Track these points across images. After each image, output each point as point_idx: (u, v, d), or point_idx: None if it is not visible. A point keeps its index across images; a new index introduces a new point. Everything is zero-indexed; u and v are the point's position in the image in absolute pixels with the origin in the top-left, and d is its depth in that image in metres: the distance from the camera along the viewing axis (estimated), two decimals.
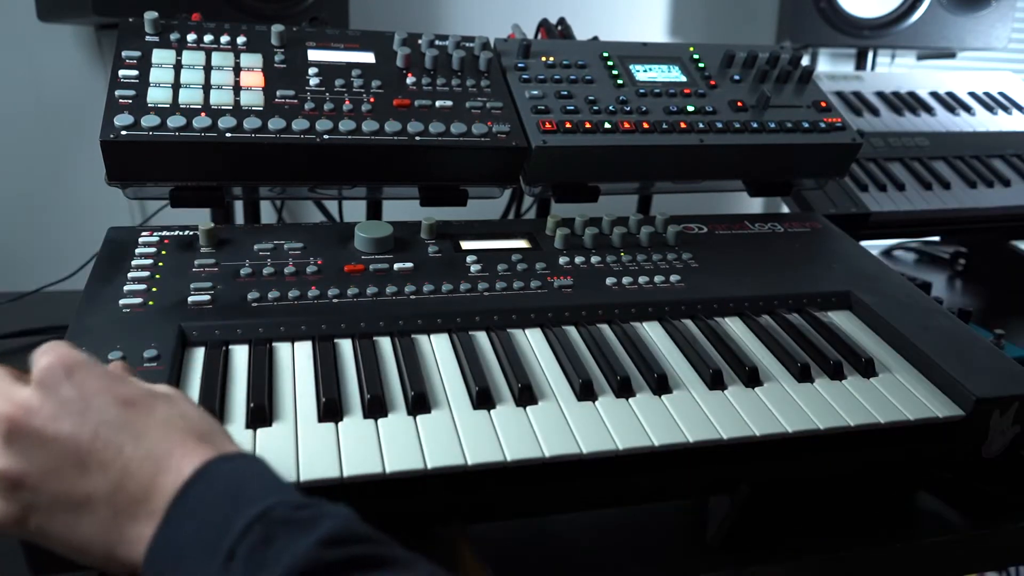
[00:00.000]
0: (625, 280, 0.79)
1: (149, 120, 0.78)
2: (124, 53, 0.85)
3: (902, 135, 1.30)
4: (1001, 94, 1.43)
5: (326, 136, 0.82)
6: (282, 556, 0.38)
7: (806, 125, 0.98)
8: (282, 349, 0.67)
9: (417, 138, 0.85)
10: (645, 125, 0.93)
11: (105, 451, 0.44)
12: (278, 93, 0.85)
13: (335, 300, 0.71)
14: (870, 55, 1.75)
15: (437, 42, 0.97)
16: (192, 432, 0.45)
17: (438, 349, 0.69)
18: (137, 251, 0.75)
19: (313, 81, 0.88)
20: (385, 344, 0.69)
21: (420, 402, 0.62)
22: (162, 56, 0.86)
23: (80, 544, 0.44)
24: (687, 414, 0.64)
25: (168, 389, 0.49)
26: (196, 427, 0.46)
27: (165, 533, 0.41)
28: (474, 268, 0.78)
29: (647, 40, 1.07)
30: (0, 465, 0.44)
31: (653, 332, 0.75)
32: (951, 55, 1.79)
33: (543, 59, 0.99)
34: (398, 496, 0.57)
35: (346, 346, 0.68)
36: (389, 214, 0.99)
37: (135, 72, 0.84)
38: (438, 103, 0.90)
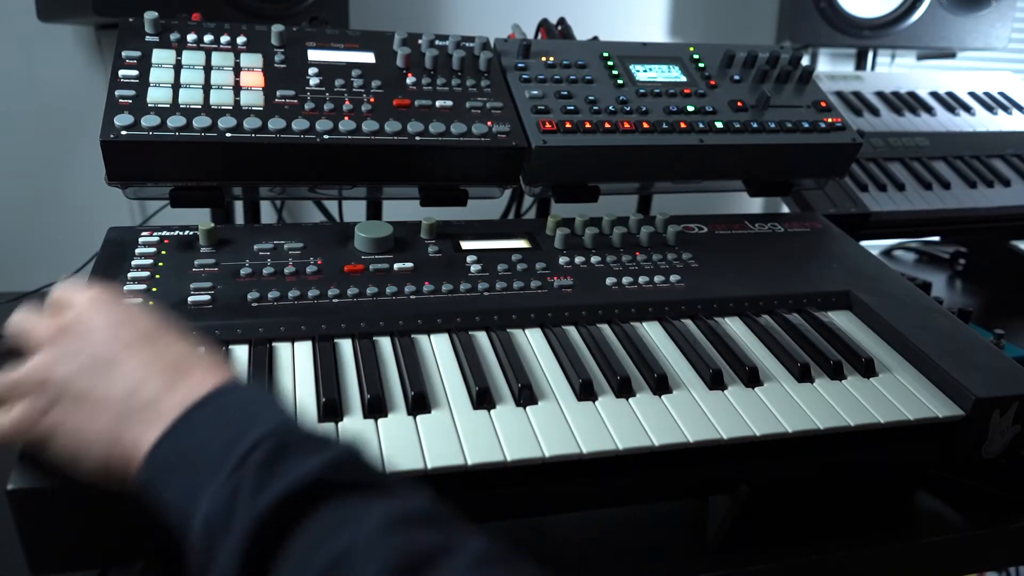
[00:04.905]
0: (625, 280, 0.79)
1: (149, 120, 0.78)
2: (124, 53, 0.85)
3: (902, 135, 1.29)
4: (1001, 94, 1.43)
5: (326, 136, 0.82)
6: (294, 468, 0.41)
7: (806, 125, 0.98)
8: (282, 349, 0.67)
9: (417, 138, 0.85)
10: (645, 125, 0.93)
11: (131, 359, 0.49)
12: (278, 93, 0.85)
13: (335, 300, 0.71)
14: (870, 55, 1.75)
15: (437, 42, 0.97)
16: (213, 362, 0.50)
17: (438, 349, 0.69)
18: (137, 251, 0.75)
19: (313, 81, 0.88)
20: (385, 344, 0.69)
21: (420, 402, 0.62)
22: (162, 56, 0.86)
23: (83, 443, 0.48)
24: (687, 414, 0.64)
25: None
26: (218, 361, 0.51)
27: (171, 437, 0.45)
28: (474, 268, 0.78)
29: (647, 40, 1.07)
30: (41, 360, 0.50)
31: (653, 332, 0.75)
32: (951, 55, 1.79)
33: (543, 59, 0.99)
34: None
35: (346, 346, 0.68)
36: (389, 214, 0.99)
37: (135, 72, 0.84)
38: (438, 103, 0.90)
